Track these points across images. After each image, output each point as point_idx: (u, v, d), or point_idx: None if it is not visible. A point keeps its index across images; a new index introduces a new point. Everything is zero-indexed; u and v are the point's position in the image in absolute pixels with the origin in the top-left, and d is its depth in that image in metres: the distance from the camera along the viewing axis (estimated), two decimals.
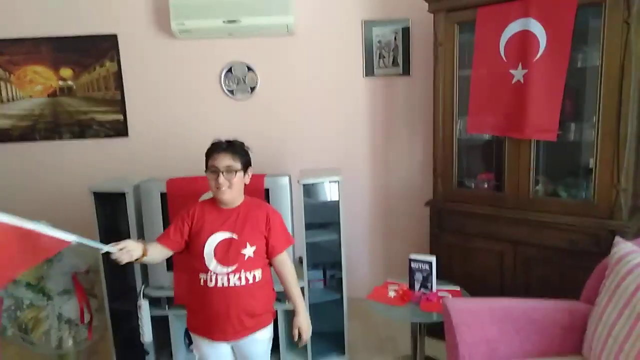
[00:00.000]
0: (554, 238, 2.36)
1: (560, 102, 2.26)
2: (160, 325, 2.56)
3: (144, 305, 2.46)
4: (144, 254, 1.69)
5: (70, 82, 3.19)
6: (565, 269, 2.33)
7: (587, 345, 1.83)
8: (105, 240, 2.52)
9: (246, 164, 1.81)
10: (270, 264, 1.88)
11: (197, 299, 1.80)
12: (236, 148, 1.79)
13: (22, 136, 3.24)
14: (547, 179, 2.51)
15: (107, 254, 1.62)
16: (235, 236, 1.76)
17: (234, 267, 1.74)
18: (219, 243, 1.75)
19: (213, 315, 1.77)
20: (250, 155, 1.86)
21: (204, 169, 1.82)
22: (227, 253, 1.74)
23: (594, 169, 2.25)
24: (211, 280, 1.74)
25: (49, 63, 3.16)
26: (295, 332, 1.87)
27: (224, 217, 1.79)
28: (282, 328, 2.57)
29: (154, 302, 2.52)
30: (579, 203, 2.35)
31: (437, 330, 2.57)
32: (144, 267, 2.53)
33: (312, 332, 2.50)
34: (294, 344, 2.00)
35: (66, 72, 3.18)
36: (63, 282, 2.63)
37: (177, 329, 2.60)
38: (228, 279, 1.74)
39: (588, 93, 2.37)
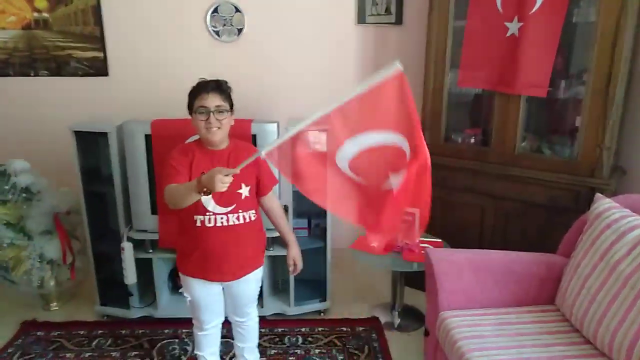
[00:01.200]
0: (534, 194, 2.42)
1: (553, 57, 2.25)
2: (144, 267, 2.57)
3: (127, 247, 2.46)
4: None
5: (45, 15, 3.01)
6: (543, 225, 2.41)
7: (560, 296, 1.91)
8: (87, 182, 2.50)
9: (232, 105, 1.80)
10: (259, 205, 1.93)
11: (192, 240, 1.81)
12: (224, 88, 1.76)
13: None
14: (533, 136, 2.53)
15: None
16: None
17: (232, 207, 1.77)
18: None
19: (211, 256, 1.80)
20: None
21: (188, 110, 1.78)
22: (225, 194, 1.71)
23: (580, 127, 2.28)
24: (210, 221, 1.76)
25: None
26: (291, 263, 1.98)
27: (216, 159, 1.76)
28: (266, 274, 2.61)
29: (138, 245, 2.51)
30: (562, 160, 2.39)
31: (416, 280, 2.67)
32: (127, 210, 2.50)
33: (295, 279, 2.57)
34: (286, 276, 2.14)
35: (41, 2, 2.98)
36: (44, 222, 2.60)
37: (160, 271, 2.62)
38: (227, 219, 1.77)
39: (580, 50, 2.35)
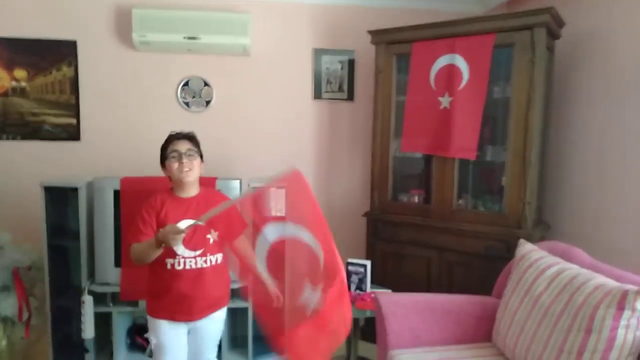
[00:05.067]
0: (472, 245, 2.68)
1: (479, 126, 2.62)
2: (103, 323, 2.59)
3: (87, 300, 2.50)
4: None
5: (23, 84, 3.22)
6: (481, 272, 2.65)
7: (495, 333, 2.11)
8: (52, 236, 2.58)
9: (201, 155, 1.99)
10: (228, 247, 2.05)
11: (163, 283, 1.91)
12: (193, 138, 1.99)
13: None
14: (468, 194, 2.85)
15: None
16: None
17: (200, 251, 1.90)
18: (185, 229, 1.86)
19: (181, 297, 1.90)
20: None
21: (160, 165, 1.95)
22: (194, 238, 1.88)
23: (505, 186, 2.61)
24: (179, 264, 1.88)
25: (3, 63, 3.18)
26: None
27: (185, 205, 1.92)
28: (226, 327, 2.67)
29: (98, 299, 2.56)
30: (493, 215, 2.69)
31: (369, 334, 2.80)
32: (91, 263, 2.57)
33: (253, 334, 2.65)
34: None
35: (20, 73, 3.21)
36: (2, 277, 2.61)
37: (119, 326, 2.64)
38: (196, 262, 1.90)
39: (502, 121, 2.76)
